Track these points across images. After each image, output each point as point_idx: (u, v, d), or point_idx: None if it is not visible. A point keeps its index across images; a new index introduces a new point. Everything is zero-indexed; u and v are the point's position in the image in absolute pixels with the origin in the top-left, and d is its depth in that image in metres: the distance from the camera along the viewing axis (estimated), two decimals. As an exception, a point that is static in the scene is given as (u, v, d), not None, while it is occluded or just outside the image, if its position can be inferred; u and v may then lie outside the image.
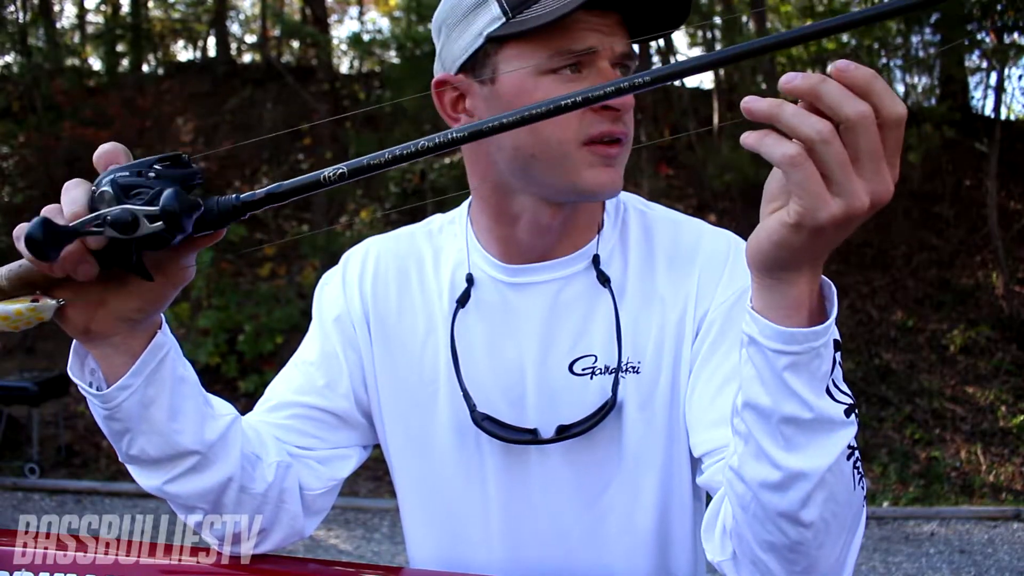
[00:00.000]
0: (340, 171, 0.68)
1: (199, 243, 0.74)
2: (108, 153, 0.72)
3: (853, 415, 0.73)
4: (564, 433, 0.98)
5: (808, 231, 0.64)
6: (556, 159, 0.92)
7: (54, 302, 0.75)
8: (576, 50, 0.89)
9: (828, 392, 0.71)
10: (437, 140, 0.67)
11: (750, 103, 0.64)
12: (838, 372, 0.72)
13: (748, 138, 0.65)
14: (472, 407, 1.00)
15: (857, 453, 0.75)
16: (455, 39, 0.96)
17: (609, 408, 0.96)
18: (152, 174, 0.69)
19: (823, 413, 0.71)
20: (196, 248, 0.75)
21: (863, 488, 0.77)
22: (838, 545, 0.77)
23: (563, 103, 0.66)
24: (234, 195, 0.71)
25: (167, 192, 0.66)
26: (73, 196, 0.70)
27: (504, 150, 0.94)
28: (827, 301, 0.72)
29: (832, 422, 0.71)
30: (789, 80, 0.63)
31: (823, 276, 0.71)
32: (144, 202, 0.67)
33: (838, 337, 0.72)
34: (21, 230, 0.67)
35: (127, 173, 0.69)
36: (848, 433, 0.72)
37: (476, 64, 0.94)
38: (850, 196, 0.62)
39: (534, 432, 0.99)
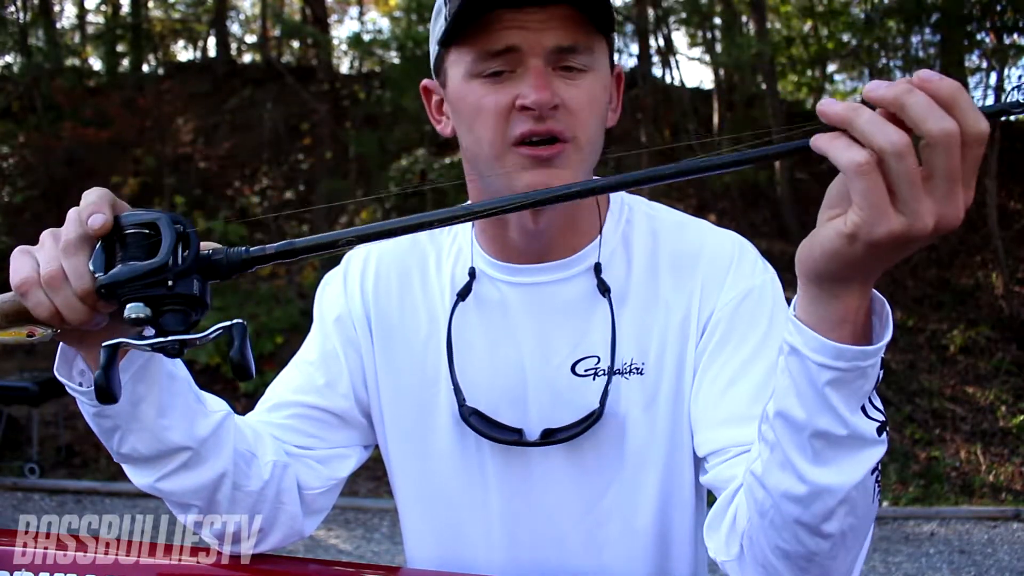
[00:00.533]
0: (353, 235, 0.72)
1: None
2: (93, 205, 0.70)
3: (884, 433, 0.71)
4: (550, 437, 0.98)
5: (863, 244, 0.61)
6: (492, 161, 0.92)
7: (50, 331, 0.74)
8: (494, 50, 0.88)
9: (863, 409, 0.69)
10: (453, 213, 0.71)
11: (825, 106, 0.60)
12: (873, 389, 0.70)
13: (819, 140, 0.62)
14: (461, 401, 1.00)
15: (879, 468, 0.73)
16: (431, 44, 0.98)
17: (596, 417, 0.96)
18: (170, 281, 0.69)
19: (857, 430, 0.69)
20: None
21: (878, 500, 0.77)
22: (851, 556, 0.77)
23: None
24: (243, 248, 0.73)
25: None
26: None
27: (466, 151, 0.96)
28: (877, 319, 0.69)
29: (864, 440, 0.69)
30: (874, 89, 0.59)
31: (876, 293, 0.68)
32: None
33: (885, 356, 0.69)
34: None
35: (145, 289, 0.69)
36: (878, 452, 0.70)
37: (439, 69, 0.97)
38: (914, 215, 0.59)
39: (519, 432, 0.99)
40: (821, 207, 0.65)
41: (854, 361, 0.66)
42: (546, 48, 0.88)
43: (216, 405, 0.93)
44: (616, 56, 1.02)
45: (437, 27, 0.94)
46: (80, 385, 0.82)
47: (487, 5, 0.86)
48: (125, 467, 0.90)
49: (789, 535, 0.75)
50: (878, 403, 0.70)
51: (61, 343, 0.81)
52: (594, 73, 0.91)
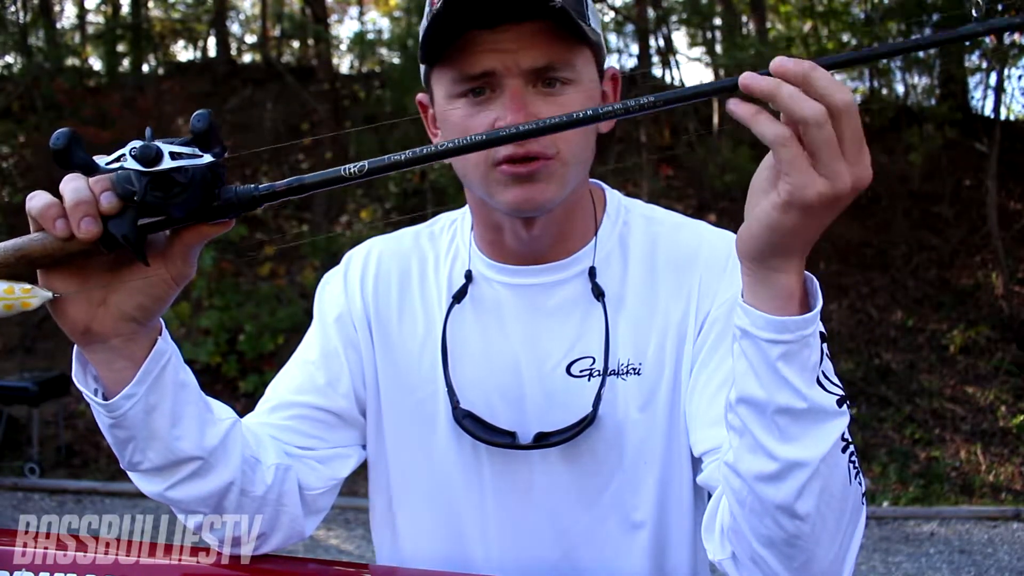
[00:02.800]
0: (361, 167, 0.70)
1: (209, 231, 0.73)
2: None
3: (845, 405, 0.74)
4: (543, 441, 0.98)
5: (797, 209, 0.67)
6: (478, 179, 0.94)
7: (48, 293, 0.73)
8: (472, 74, 0.90)
9: (819, 383, 0.73)
10: (459, 143, 0.70)
11: (749, 80, 0.67)
12: (827, 363, 0.74)
13: (740, 108, 0.68)
14: (455, 404, 1.00)
15: (852, 448, 0.76)
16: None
17: (589, 421, 0.96)
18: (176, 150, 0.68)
19: (816, 403, 0.72)
20: (205, 237, 0.74)
21: (860, 484, 0.78)
22: (836, 541, 0.77)
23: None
24: (253, 185, 0.72)
25: (197, 113, 0.67)
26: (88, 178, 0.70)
27: (454, 167, 0.99)
28: (810, 295, 0.74)
29: (825, 412, 0.73)
30: (781, 64, 0.66)
31: (805, 271, 0.74)
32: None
33: (823, 330, 0.74)
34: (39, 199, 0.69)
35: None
36: (841, 423, 0.74)
37: (427, 85, 0.99)
38: (835, 176, 0.66)
39: (513, 436, 0.99)
40: (747, 201, 0.72)
41: (797, 331, 0.71)
42: (522, 69, 0.89)
43: (223, 413, 0.93)
44: (614, 57, 1.03)
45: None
46: (95, 394, 0.82)
47: (457, 27, 0.88)
48: (135, 476, 0.89)
49: (769, 520, 0.76)
50: (834, 377, 0.75)
51: (76, 349, 0.81)
52: (576, 85, 0.92)
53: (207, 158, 0.69)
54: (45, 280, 0.75)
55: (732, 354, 0.77)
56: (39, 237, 0.71)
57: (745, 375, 0.74)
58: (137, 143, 0.68)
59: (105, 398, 0.81)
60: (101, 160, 0.69)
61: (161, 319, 0.83)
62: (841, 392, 0.74)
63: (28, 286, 0.72)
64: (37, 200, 0.71)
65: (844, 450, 0.75)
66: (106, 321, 0.77)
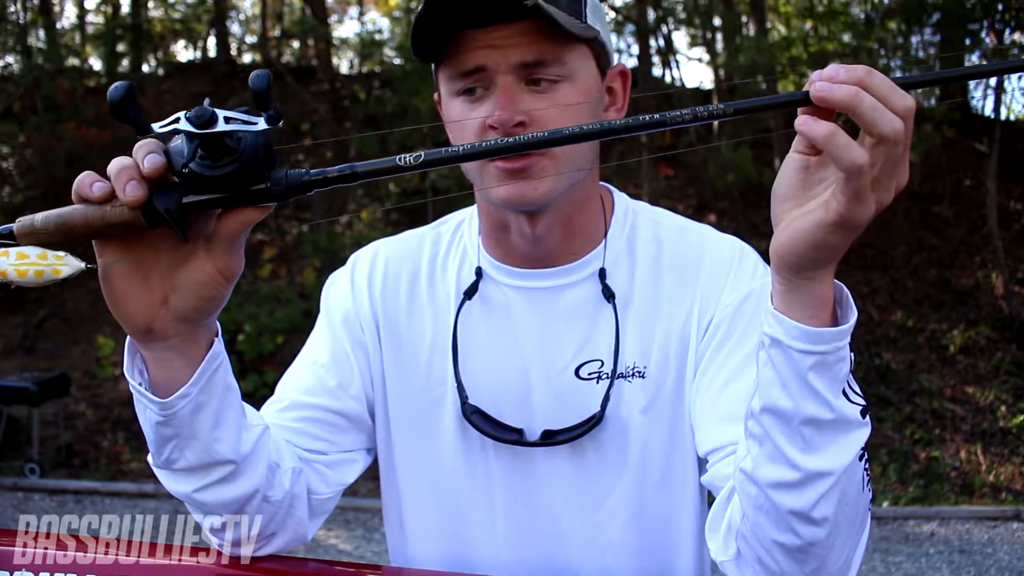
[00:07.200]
0: (417, 156, 0.68)
1: (252, 216, 0.72)
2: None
3: (867, 416, 0.74)
4: (550, 439, 0.98)
5: (847, 231, 0.65)
6: (473, 174, 0.96)
7: (81, 263, 0.70)
8: (464, 70, 0.91)
9: (844, 393, 0.72)
10: (523, 139, 0.69)
11: (824, 91, 0.62)
12: (849, 374, 0.73)
13: (815, 129, 0.63)
14: (464, 399, 1.00)
15: (867, 455, 0.76)
16: None
17: (596, 421, 0.97)
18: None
19: (842, 413, 0.71)
20: (248, 223, 0.72)
21: (870, 490, 0.78)
22: (847, 546, 0.78)
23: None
24: (303, 170, 0.70)
25: (257, 72, 0.66)
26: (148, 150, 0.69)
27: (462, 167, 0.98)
28: (840, 303, 0.72)
29: (849, 422, 0.72)
30: (852, 71, 0.62)
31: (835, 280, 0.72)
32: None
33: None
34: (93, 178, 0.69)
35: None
36: (863, 433, 0.73)
37: (436, 84, 0.99)
38: (884, 193, 0.64)
39: (520, 432, 0.99)
40: (774, 201, 0.69)
41: (833, 342, 0.70)
42: (512, 65, 0.89)
43: (256, 419, 0.92)
44: (616, 56, 1.03)
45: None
46: (140, 385, 0.81)
47: (446, 26, 0.89)
48: (164, 475, 0.88)
49: (784, 526, 0.76)
50: (856, 388, 0.74)
51: (127, 345, 0.81)
52: (570, 82, 0.92)
53: (261, 124, 0.67)
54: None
55: (757, 361, 0.75)
56: (81, 208, 0.70)
57: (771, 384, 0.73)
58: (195, 109, 0.66)
59: (154, 393, 0.81)
60: (156, 125, 0.68)
61: (217, 321, 0.83)
62: (863, 402, 0.74)
63: (62, 253, 0.69)
64: (82, 176, 0.71)
65: (861, 458, 0.74)
66: (167, 321, 0.76)
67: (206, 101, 0.68)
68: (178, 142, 0.69)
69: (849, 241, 0.67)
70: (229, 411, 0.85)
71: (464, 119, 0.93)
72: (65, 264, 0.69)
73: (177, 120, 0.67)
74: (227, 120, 0.66)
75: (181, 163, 0.67)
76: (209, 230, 0.73)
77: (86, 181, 0.70)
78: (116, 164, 0.69)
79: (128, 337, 0.80)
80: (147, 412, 0.82)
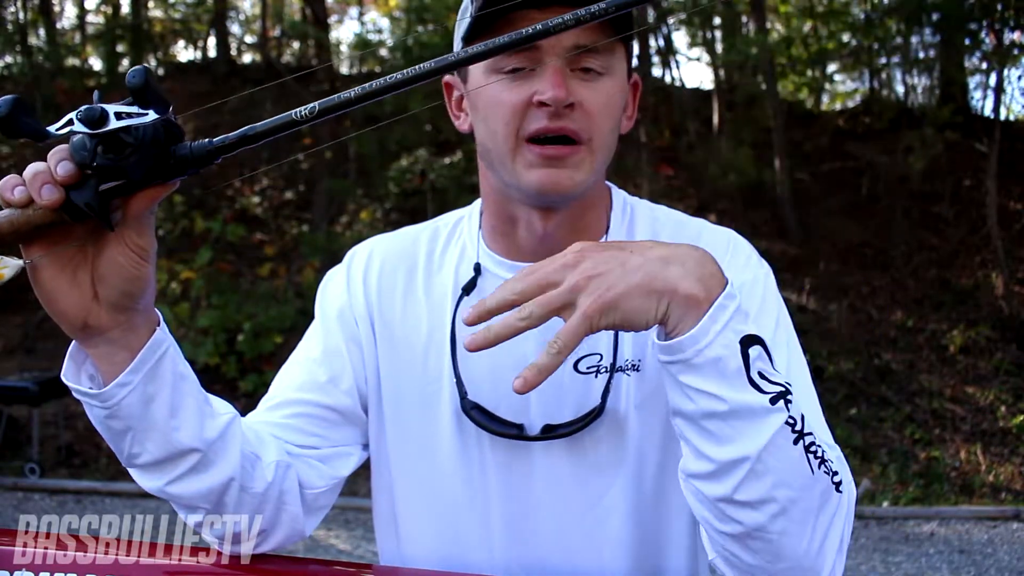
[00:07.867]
0: (312, 108, 0.69)
1: (156, 193, 0.73)
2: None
3: (782, 401, 0.75)
4: (550, 433, 0.98)
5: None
6: (503, 154, 0.94)
7: (19, 261, 0.73)
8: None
9: (754, 383, 0.74)
10: (407, 74, 0.70)
11: (480, 341, 0.81)
12: (763, 364, 0.75)
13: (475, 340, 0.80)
14: (463, 394, 1.00)
15: (811, 438, 0.77)
16: (455, 42, 0.99)
17: (596, 413, 0.97)
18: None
19: (740, 404, 0.74)
20: (153, 199, 0.73)
21: (829, 473, 0.78)
22: (805, 532, 0.78)
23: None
24: (207, 139, 0.72)
25: (132, 69, 0.68)
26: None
27: (480, 146, 0.98)
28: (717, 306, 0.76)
29: (753, 410, 0.74)
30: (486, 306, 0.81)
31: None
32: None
33: (755, 333, 0.76)
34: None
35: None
36: (777, 418, 0.75)
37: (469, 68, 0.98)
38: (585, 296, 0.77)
39: (520, 427, 0.99)
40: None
41: (691, 348, 0.74)
42: (565, 47, 0.89)
43: (223, 408, 0.92)
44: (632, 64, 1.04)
45: (462, 25, 0.95)
46: (90, 389, 0.82)
47: (512, 5, 0.87)
48: (134, 472, 0.89)
49: (720, 514, 0.78)
50: (775, 376, 0.76)
51: (70, 347, 0.81)
52: (611, 77, 0.93)
53: (152, 115, 0.69)
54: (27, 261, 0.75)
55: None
56: (6, 212, 0.72)
57: (668, 390, 0.78)
58: (83, 108, 0.68)
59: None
60: (51, 128, 0.70)
61: (160, 314, 0.83)
62: (781, 388, 0.75)
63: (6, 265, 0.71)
64: (4, 180, 0.72)
65: (796, 442, 0.76)
66: (100, 313, 0.77)
67: (95, 96, 0.70)
68: (72, 132, 0.70)
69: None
70: (185, 399, 0.85)
71: (502, 97, 0.92)
72: (6, 266, 0.72)
73: (71, 122, 0.68)
74: (118, 116, 0.68)
75: (87, 157, 0.69)
76: (118, 216, 0.75)
77: (8, 185, 0.71)
78: (30, 170, 0.71)
79: (72, 342, 0.81)
80: (93, 410, 0.83)
